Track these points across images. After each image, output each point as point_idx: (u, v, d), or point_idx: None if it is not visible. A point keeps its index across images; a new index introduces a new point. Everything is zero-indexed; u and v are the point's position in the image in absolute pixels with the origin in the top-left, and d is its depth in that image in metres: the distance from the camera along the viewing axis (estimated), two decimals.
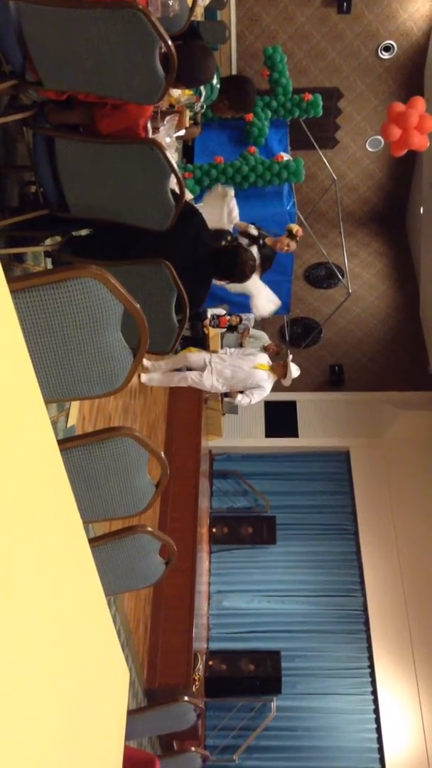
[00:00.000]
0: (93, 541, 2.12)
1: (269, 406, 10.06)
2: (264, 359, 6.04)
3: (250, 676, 7.64)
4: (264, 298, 5.73)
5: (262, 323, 10.51)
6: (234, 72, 9.32)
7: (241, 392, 6.00)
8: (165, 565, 2.48)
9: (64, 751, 1.53)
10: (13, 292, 1.39)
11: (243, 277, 3.53)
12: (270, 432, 9.88)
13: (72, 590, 1.61)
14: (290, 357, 6.09)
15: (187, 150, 7.36)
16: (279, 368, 6.01)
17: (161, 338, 2.84)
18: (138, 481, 2.07)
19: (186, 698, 3.31)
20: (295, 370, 5.98)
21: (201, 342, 7.57)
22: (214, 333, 7.97)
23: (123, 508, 2.11)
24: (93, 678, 1.82)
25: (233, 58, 9.39)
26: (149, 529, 2.22)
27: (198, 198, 6.47)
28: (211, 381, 5.94)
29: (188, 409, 7.59)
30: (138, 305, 1.60)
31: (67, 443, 1.92)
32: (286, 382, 6.03)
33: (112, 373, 1.77)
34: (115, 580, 2.32)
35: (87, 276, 1.48)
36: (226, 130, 7.25)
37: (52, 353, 1.61)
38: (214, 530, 8.76)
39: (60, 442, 1.60)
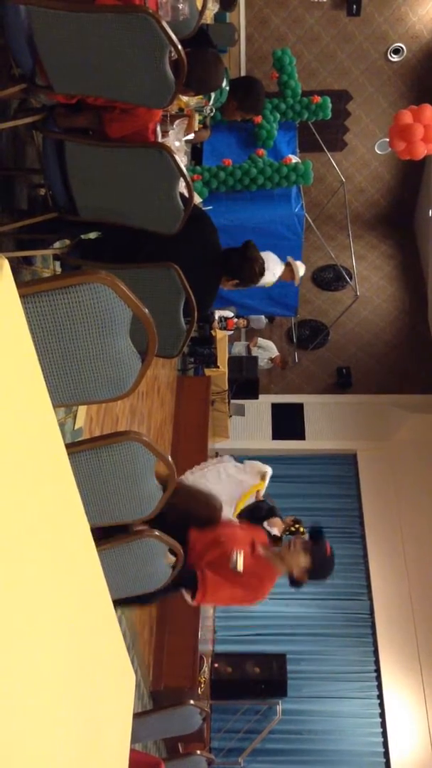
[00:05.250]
0: (100, 545, 2.12)
1: (277, 408, 10.06)
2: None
3: (256, 679, 7.63)
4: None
5: (270, 326, 10.53)
6: (243, 74, 9.33)
7: None
8: (172, 569, 2.48)
9: (71, 754, 1.54)
10: (22, 296, 1.39)
11: (253, 277, 3.41)
12: (277, 434, 9.87)
13: (79, 593, 1.61)
14: (297, 264, 5.88)
15: (196, 152, 7.37)
16: (287, 273, 5.82)
17: (169, 341, 2.84)
18: (145, 485, 2.07)
19: (191, 701, 3.31)
20: (301, 268, 5.82)
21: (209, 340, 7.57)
22: (222, 335, 7.98)
23: (130, 512, 2.11)
24: (99, 681, 1.83)
25: (242, 60, 9.40)
26: (156, 533, 2.22)
27: (206, 202, 6.48)
28: None
29: (195, 411, 7.59)
30: (147, 311, 1.61)
31: (74, 447, 1.92)
32: (297, 281, 5.92)
33: (120, 378, 1.77)
34: (121, 584, 2.32)
35: (96, 281, 1.48)
36: (234, 133, 7.24)
37: (61, 358, 1.61)
38: None
39: (67, 446, 1.60)
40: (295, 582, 3.28)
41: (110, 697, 1.96)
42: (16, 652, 1.18)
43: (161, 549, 2.34)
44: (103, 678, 1.87)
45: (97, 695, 1.79)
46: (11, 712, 1.16)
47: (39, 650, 1.30)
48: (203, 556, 3.16)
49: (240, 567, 3.05)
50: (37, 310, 1.52)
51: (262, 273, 3.37)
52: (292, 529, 4.77)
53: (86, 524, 1.63)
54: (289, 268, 5.88)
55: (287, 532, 4.77)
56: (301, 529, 4.78)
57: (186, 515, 3.12)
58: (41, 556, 1.31)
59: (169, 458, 1.99)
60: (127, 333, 1.69)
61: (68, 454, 1.46)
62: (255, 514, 4.71)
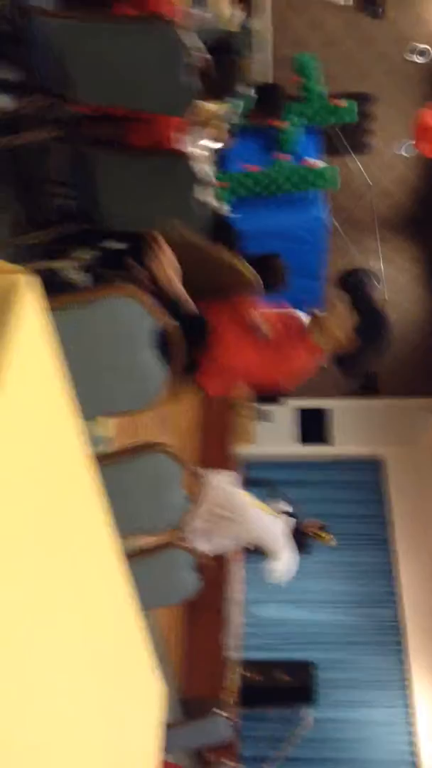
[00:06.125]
0: (129, 557, 2.12)
1: (304, 413, 10.01)
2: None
3: (285, 687, 7.57)
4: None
5: None
6: (266, 80, 9.30)
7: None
8: (201, 580, 2.46)
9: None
10: (50, 310, 1.40)
11: (275, 285, 3.40)
12: (305, 439, 9.82)
13: (108, 606, 1.61)
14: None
15: (219, 159, 7.35)
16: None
17: None
18: (173, 496, 2.06)
19: (222, 712, 3.29)
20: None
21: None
22: None
23: (158, 523, 2.10)
24: (130, 694, 1.82)
25: (268, 65, 9.38)
26: (185, 545, 2.21)
27: (233, 208, 6.46)
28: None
29: (221, 417, 7.58)
30: (173, 323, 1.60)
31: (103, 459, 1.91)
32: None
33: (147, 390, 1.76)
34: (150, 596, 2.31)
35: (124, 295, 1.48)
36: (258, 138, 7.22)
37: (89, 371, 1.61)
38: None
39: (96, 458, 1.60)
40: (346, 362, 2.48)
41: (141, 711, 1.95)
42: (46, 664, 1.18)
43: (189, 559, 2.33)
44: (134, 692, 1.86)
45: (127, 709, 1.78)
46: (40, 725, 1.15)
47: (69, 666, 1.30)
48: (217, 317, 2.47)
49: (266, 329, 2.39)
50: (65, 323, 1.52)
51: (282, 282, 3.36)
52: (314, 533, 4.36)
53: (113, 534, 1.62)
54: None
55: (310, 536, 4.35)
56: (325, 536, 4.40)
57: (208, 286, 2.46)
58: (70, 568, 1.30)
59: (197, 470, 1.97)
60: (152, 344, 1.69)
61: (96, 465, 1.46)
62: None
